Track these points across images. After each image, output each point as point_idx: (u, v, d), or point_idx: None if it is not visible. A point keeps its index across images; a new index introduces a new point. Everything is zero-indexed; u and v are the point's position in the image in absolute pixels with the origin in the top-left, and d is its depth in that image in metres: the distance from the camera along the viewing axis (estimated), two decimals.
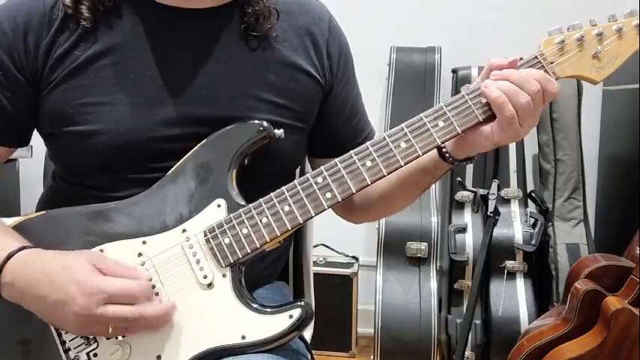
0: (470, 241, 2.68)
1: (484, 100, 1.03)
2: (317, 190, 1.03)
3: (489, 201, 2.25)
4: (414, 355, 2.56)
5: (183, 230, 1.06)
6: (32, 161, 2.26)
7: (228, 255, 1.04)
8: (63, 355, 1.04)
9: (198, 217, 1.06)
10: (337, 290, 2.85)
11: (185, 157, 1.09)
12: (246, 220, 1.04)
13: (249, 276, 1.07)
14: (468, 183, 2.73)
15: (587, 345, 1.89)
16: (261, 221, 1.04)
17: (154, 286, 1.04)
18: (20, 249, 1.02)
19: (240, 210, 1.05)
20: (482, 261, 2.25)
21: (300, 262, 1.51)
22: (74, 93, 1.10)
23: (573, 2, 2.72)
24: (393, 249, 2.68)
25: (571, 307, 1.99)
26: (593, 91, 2.67)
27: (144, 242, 1.06)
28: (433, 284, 2.64)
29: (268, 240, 1.03)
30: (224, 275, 1.04)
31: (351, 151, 1.04)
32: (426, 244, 2.66)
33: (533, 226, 2.64)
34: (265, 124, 1.10)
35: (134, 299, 0.98)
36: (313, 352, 1.22)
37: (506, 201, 2.71)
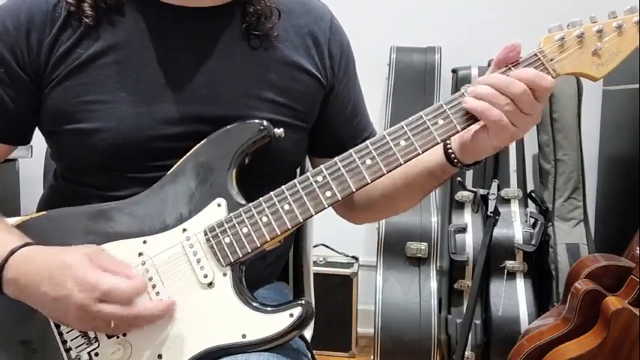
0: (470, 241, 2.68)
1: None
2: (317, 189, 1.03)
3: (489, 201, 2.25)
4: (414, 355, 2.57)
5: (184, 230, 1.06)
6: (32, 161, 2.26)
7: (229, 254, 1.04)
8: (64, 355, 1.04)
9: (198, 216, 1.06)
10: (337, 290, 2.85)
11: (185, 156, 1.09)
12: (246, 220, 1.04)
13: (250, 276, 1.07)
14: (468, 183, 2.73)
15: (587, 345, 1.89)
16: (261, 220, 1.04)
17: (154, 286, 1.04)
18: (23, 246, 1.02)
19: (241, 209, 1.05)
20: (482, 261, 2.25)
21: (300, 262, 1.51)
22: (76, 91, 1.10)
23: (573, 2, 2.71)
24: (393, 249, 2.68)
25: (571, 307, 1.99)
26: (593, 90, 2.67)
27: (144, 242, 1.06)
28: (433, 284, 2.64)
29: (269, 239, 1.03)
30: (224, 274, 1.04)
31: (351, 150, 1.04)
32: (426, 244, 2.66)
33: (533, 226, 2.64)
34: (265, 123, 1.10)
35: (128, 300, 0.97)
36: (313, 352, 1.23)
37: (506, 201, 2.71)
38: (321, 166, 1.05)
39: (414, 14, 3.05)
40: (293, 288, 1.50)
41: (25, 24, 1.10)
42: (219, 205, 1.06)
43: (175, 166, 1.09)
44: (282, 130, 1.11)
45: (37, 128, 1.20)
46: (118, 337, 1.03)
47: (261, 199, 1.05)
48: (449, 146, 1.10)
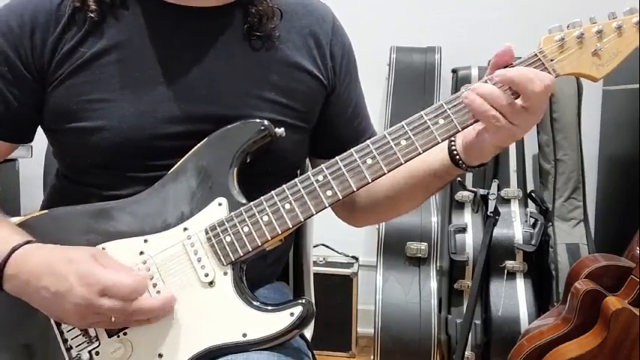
0: (470, 241, 2.68)
1: None
2: (318, 188, 1.04)
3: (489, 201, 2.25)
4: (414, 355, 2.57)
5: (185, 229, 1.06)
6: (32, 161, 2.27)
7: (230, 253, 1.04)
8: (65, 354, 1.05)
9: (199, 215, 1.06)
10: (337, 290, 2.85)
11: (186, 156, 1.10)
12: (247, 219, 1.04)
13: (250, 275, 1.07)
14: (468, 183, 2.73)
15: (587, 345, 1.89)
16: (262, 219, 1.04)
17: (155, 284, 1.04)
18: (25, 243, 1.02)
19: (242, 208, 1.05)
20: (482, 261, 2.25)
21: (300, 262, 1.52)
22: (79, 89, 1.10)
23: (573, 2, 2.72)
24: (393, 249, 2.68)
25: (571, 307, 1.99)
26: (593, 90, 2.67)
27: (145, 241, 1.06)
28: (433, 284, 2.64)
29: (269, 238, 1.03)
30: (225, 273, 1.04)
31: (352, 150, 1.04)
32: (426, 244, 2.66)
33: (533, 226, 2.64)
34: (266, 122, 1.10)
35: (129, 295, 0.97)
36: (314, 351, 1.23)
37: (506, 201, 2.71)
38: (322, 165, 1.05)
39: (414, 14, 3.05)
40: (293, 288, 1.50)
41: (29, 23, 1.11)
42: (220, 204, 1.06)
43: (176, 165, 1.10)
44: (282, 129, 1.12)
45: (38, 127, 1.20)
46: (118, 336, 1.03)
47: (262, 198, 1.05)
48: (453, 147, 1.09)
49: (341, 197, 1.04)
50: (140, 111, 1.10)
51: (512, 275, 2.62)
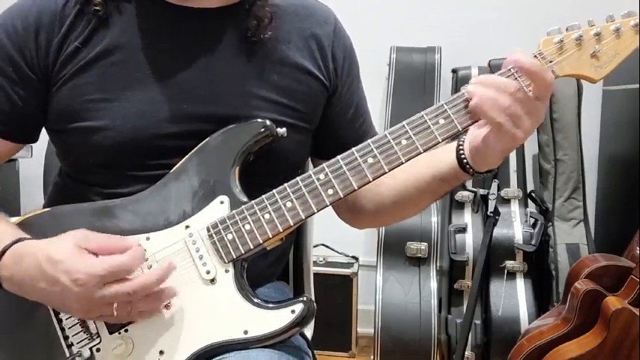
0: (470, 241, 2.69)
1: None
2: (319, 187, 1.04)
3: (489, 201, 2.25)
4: (414, 355, 2.57)
5: (187, 226, 1.06)
6: (32, 161, 2.26)
7: (231, 251, 1.04)
8: (66, 350, 1.05)
9: (201, 213, 1.07)
10: (337, 290, 2.85)
11: (188, 154, 1.10)
12: (248, 216, 1.05)
13: (251, 274, 1.08)
14: (468, 183, 2.73)
15: (587, 345, 1.89)
16: (263, 217, 1.04)
17: None
18: (14, 243, 1.02)
19: (243, 206, 1.05)
20: (482, 261, 2.25)
21: (300, 262, 1.52)
22: (82, 89, 1.11)
23: (573, 2, 2.72)
24: (393, 249, 2.68)
25: (571, 307, 1.99)
26: (593, 91, 2.67)
27: (147, 238, 1.06)
28: (433, 284, 2.64)
29: (271, 236, 1.04)
30: (227, 271, 1.04)
31: (353, 149, 1.05)
32: (426, 244, 2.66)
33: (533, 226, 2.64)
34: (268, 122, 1.11)
35: (128, 272, 0.97)
36: (314, 350, 1.23)
37: (506, 201, 2.71)
38: (324, 164, 1.05)
39: (414, 14, 3.05)
40: (293, 287, 1.51)
41: (34, 24, 1.12)
42: (221, 202, 1.07)
43: (179, 164, 1.10)
44: (284, 129, 1.12)
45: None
46: (119, 333, 1.04)
47: (263, 196, 1.05)
48: (462, 152, 1.09)
49: (342, 196, 1.04)
50: (142, 111, 1.11)
51: (512, 275, 2.62)
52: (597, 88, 2.83)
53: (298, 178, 1.05)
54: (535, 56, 1.03)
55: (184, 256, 1.05)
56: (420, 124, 1.03)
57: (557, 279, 2.58)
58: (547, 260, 2.65)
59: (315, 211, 1.04)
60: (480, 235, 2.55)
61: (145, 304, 1.00)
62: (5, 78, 1.13)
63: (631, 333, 1.83)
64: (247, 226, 1.04)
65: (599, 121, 2.92)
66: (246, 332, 1.02)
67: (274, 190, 1.05)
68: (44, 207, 1.19)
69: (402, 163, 1.04)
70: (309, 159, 1.35)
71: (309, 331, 1.34)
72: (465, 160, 1.09)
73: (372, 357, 2.63)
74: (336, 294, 2.84)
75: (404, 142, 1.03)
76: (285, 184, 1.05)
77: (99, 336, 1.04)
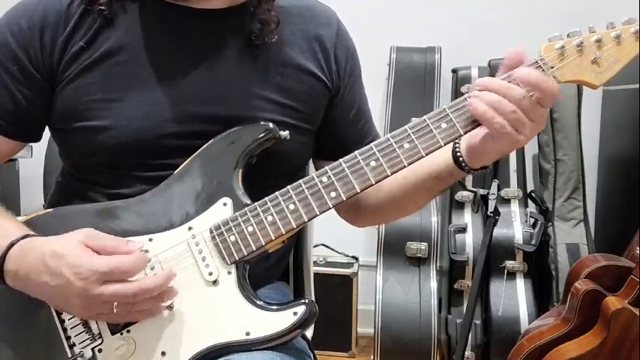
0: (470, 241, 2.69)
1: None
2: (322, 189, 1.04)
3: (489, 201, 2.25)
4: (414, 355, 2.57)
5: (190, 228, 1.07)
6: (32, 161, 2.26)
7: (234, 252, 1.04)
8: (68, 351, 1.05)
9: (204, 215, 1.07)
10: (337, 290, 2.85)
11: (192, 157, 1.11)
12: (251, 218, 1.05)
13: (252, 275, 1.08)
14: (468, 183, 2.73)
15: (587, 345, 1.90)
16: (266, 219, 1.05)
17: None
18: (22, 237, 1.02)
19: (246, 208, 1.06)
20: (482, 261, 2.25)
21: (300, 262, 1.52)
22: (87, 89, 1.12)
23: (573, 2, 2.72)
24: (393, 249, 2.68)
25: (571, 307, 1.99)
26: (593, 91, 2.66)
27: (150, 239, 1.06)
28: (433, 284, 2.64)
29: (273, 238, 1.04)
30: (229, 272, 1.05)
31: (356, 152, 1.06)
32: (426, 244, 2.66)
33: (533, 226, 2.65)
34: (271, 125, 1.11)
35: (129, 274, 0.97)
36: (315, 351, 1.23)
37: (506, 201, 2.71)
38: (326, 167, 1.06)
39: (414, 14, 3.05)
40: (293, 288, 1.51)
41: (39, 23, 1.12)
42: (224, 204, 1.07)
43: (182, 165, 1.11)
44: (287, 132, 1.13)
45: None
46: (121, 334, 1.04)
47: (266, 198, 1.06)
48: (457, 150, 1.10)
49: (345, 199, 1.04)
50: (146, 111, 1.11)
51: (512, 275, 2.62)
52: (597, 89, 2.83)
53: (301, 181, 1.06)
54: (537, 62, 1.04)
55: (187, 257, 1.05)
56: (422, 127, 1.04)
57: (557, 279, 2.58)
58: (547, 260, 2.65)
59: (318, 213, 1.05)
60: (480, 235, 2.55)
61: (145, 305, 1.00)
62: (10, 77, 1.13)
63: (631, 333, 1.83)
64: (250, 228, 1.04)
65: (599, 121, 2.92)
66: (248, 334, 1.02)
67: (277, 193, 1.05)
68: (46, 206, 1.20)
69: (405, 167, 1.04)
70: (311, 160, 1.35)
71: (309, 331, 1.34)
72: (460, 158, 1.10)
73: (372, 357, 2.63)
74: (336, 294, 2.84)
75: (406, 145, 1.04)
76: (288, 187, 1.06)
77: (101, 336, 1.04)
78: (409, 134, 1.04)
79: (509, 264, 2.61)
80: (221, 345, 1.02)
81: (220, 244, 1.05)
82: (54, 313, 1.06)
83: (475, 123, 1.03)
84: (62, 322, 1.06)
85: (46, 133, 1.23)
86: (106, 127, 1.10)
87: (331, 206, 1.05)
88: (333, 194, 1.04)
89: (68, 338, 1.05)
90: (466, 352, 2.48)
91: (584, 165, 2.69)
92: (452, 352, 2.58)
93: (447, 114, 1.04)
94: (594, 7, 2.50)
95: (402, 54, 2.95)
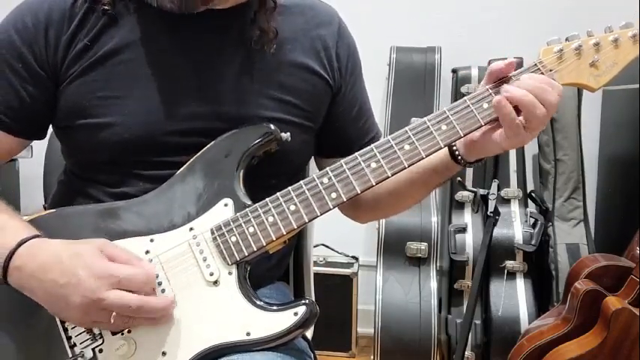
0: (470, 241, 2.69)
1: (485, 105, 1.06)
2: (322, 190, 1.05)
3: (489, 201, 2.25)
4: (414, 355, 2.57)
5: (191, 228, 1.07)
6: (32, 161, 2.26)
7: (235, 253, 1.05)
8: (69, 351, 1.05)
9: (205, 215, 1.07)
10: (337, 290, 2.85)
11: (193, 158, 1.11)
12: (252, 219, 1.05)
13: (253, 275, 1.08)
14: (468, 183, 2.74)
15: (587, 345, 1.90)
16: (267, 220, 1.05)
17: (160, 283, 1.04)
18: (33, 237, 1.03)
19: (247, 209, 1.06)
20: (482, 261, 2.26)
21: (301, 262, 1.52)
22: (91, 86, 1.12)
23: (573, 2, 2.72)
24: (393, 249, 2.68)
25: (571, 307, 2.00)
26: None
27: (151, 240, 1.07)
28: (433, 284, 2.64)
29: (274, 238, 1.04)
30: (230, 273, 1.05)
31: (356, 153, 1.07)
32: (426, 244, 2.66)
33: (533, 226, 2.65)
34: (272, 127, 1.12)
35: (139, 288, 0.98)
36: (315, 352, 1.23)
37: (506, 201, 2.72)
38: (327, 168, 1.07)
39: (414, 14, 3.05)
40: (293, 288, 1.51)
41: (44, 21, 1.13)
42: (226, 204, 1.07)
43: (184, 167, 1.11)
44: (288, 134, 1.14)
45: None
46: (122, 334, 1.04)
47: (267, 199, 1.06)
48: (454, 144, 1.12)
49: (345, 199, 1.05)
50: (150, 108, 1.12)
51: (512, 275, 2.63)
52: None
53: (302, 182, 1.06)
54: (535, 65, 1.07)
55: (188, 258, 1.05)
56: (422, 129, 1.06)
57: (557, 279, 2.58)
58: (547, 260, 2.65)
59: (319, 214, 1.05)
60: (480, 235, 2.55)
61: (142, 322, 1.01)
62: (15, 74, 1.14)
63: (631, 333, 1.84)
64: (251, 229, 1.05)
65: (599, 121, 2.93)
66: (248, 334, 1.02)
67: (278, 194, 1.06)
68: (48, 206, 1.20)
69: (405, 168, 1.06)
70: (312, 158, 1.35)
71: (309, 331, 1.34)
72: (457, 152, 1.12)
73: (372, 357, 2.63)
74: (336, 294, 2.84)
75: (407, 147, 1.05)
76: (289, 188, 1.06)
77: (102, 337, 1.04)
78: (409, 136, 1.06)
79: (509, 264, 2.61)
80: (222, 345, 1.02)
81: (221, 245, 1.05)
82: None
83: (475, 126, 1.05)
84: (63, 322, 1.06)
85: (47, 133, 1.24)
86: (110, 124, 1.11)
87: (332, 207, 1.05)
88: (333, 195, 1.05)
89: (69, 338, 1.05)
90: (466, 352, 2.48)
91: (584, 165, 2.70)
92: (452, 352, 2.58)
93: (447, 116, 1.06)
94: (594, 6, 2.50)
95: (402, 54, 2.95)
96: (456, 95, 2.78)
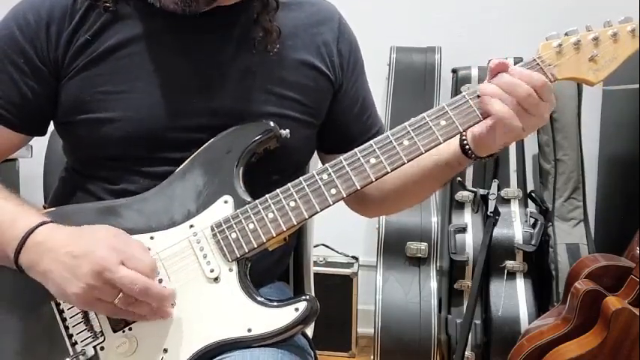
0: (470, 241, 2.69)
1: None
2: (322, 186, 1.05)
3: (489, 201, 2.25)
4: (414, 355, 2.57)
5: (191, 225, 1.07)
6: (32, 161, 2.27)
7: (235, 249, 1.05)
8: (70, 349, 1.05)
9: (205, 212, 1.08)
10: (337, 290, 2.85)
11: (193, 155, 1.12)
12: (252, 215, 1.05)
13: (255, 274, 1.08)
14: (468, 183, 2.74)
15: (587, 345, 1.90)
16: (267, 216, 1.05)
17: (161, 280, 1.05)
18: (52, 221, 1.05)
19: (247, 205, 1.06)
20: (482, 261, 2.26)
21: (301, 262, 1.52)
22: (93, 81, 1.13)
23: (573, 2, 2.72)
24: (393, 249, 2.68)
25: (571, 307, 1.99)
26: (593, 91, 2.64)
27: (151, 237, 1.07)
28: (433, 284, 2.64)
29: (274, 234, 1.05)
30: (230, 269, 1.05)
31: (356, 149, 1.07)
32: (426, 244, 2.66)
33: (533, 226, 2.65)
34: (272, 123, 1.13)
35: (146, 273, 0.99)
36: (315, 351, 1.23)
37: (506, 201, 2.72)
38: (326, 164, 1.07)
39: (414, 14, 3.05)
40: (293, 288, 1.51)
41: (46, 17, 1.14)
42: (226, 201, 1.08)
43: (183, 164, 1.12)
44: (288, 131, 1.14)
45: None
46: (123, 331, 1.04)
47: (267, 195, 1.06)
48: (464, 138, 1.12)
49: (345, 195, 1.05)
50: (153, 103, 1.13)
51: (512, 275, 2.63)
52: (597, 88, 2.82)
53: (301, 178, 1.07)
54: (534, 59, 1.07)
55: (188, 254, 1.06)
56: (421, 125, 1.06)
57: (557, 279, 2.58)
58: (547, 260, 2.65)
59: (319, 210, 1.05)
60: (480, 235, 2.55)
61: (143, 307, 1.00)
62: (17, 70, 1.14)
63: (631, 333, 1.83)
64: (251, 225, 1.05)
65: (599, 121, 2.93)
66: (249, 330, 1.02)
67: (278, 190, 1.06)
68: (49, 203, 1.21)
69: (404, 163, 1.06)
70: (316, 154, 1.36)
71: (309, 331, 1.34)
72: (467, 146, 1.12)
73: (372, 357, 2.63)
74: (336, 294, 2.84)
75: (406, 142, 1.06)
76: (289, 184, 1.06)
77: (103, 334, 1.04)
78: (408, 131, 1.06)
79: (509, 264, 2.61)
80: (223, 342, 1.02)
81: (221, 241, 1.05)
82: (55, 311, 1.07)
83: (474, 120, 1.06)
84: (64, 320, 1.06)
85: (47, 133, 1.24)
86: (113, 119, 1.12)
87: (332, 203, 1.05)
88: (333, 191, 1.05)
89: (70, 336, 1.06)
90: (466, 352, 2.48)
91: (584, 165, 2.70)
92: (452, 352, 2.58)
93: (446, 111, 1.06)
94: (594, 6, 2.50)
95: (402, 54, 2.95)
96: (456, 95, 2.77)
